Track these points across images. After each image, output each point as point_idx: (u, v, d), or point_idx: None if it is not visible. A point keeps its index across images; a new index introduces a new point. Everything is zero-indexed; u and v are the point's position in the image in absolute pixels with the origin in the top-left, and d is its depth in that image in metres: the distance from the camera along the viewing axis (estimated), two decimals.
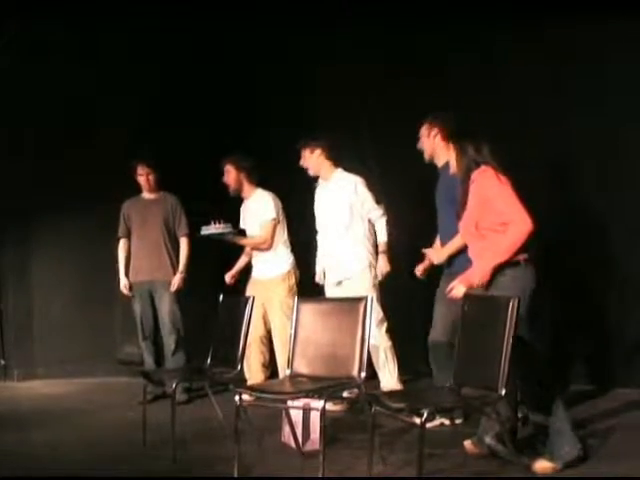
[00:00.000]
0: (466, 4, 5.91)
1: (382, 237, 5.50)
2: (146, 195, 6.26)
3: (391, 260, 5.52)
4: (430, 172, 4.96)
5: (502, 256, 3.92)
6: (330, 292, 5.56)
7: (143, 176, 6.17)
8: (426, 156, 4.92)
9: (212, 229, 5.81)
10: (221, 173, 6.01)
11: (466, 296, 3.98)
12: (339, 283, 5.50)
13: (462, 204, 4.15)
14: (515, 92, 5.83)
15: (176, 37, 6.95)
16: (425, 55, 6.19)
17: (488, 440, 4.09)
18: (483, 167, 4.08)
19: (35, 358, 7.13)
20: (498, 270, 3.95)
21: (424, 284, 5.03)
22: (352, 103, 6.55)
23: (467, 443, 4.18)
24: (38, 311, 7.19)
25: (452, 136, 4.52)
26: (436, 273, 4.84)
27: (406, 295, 5.83)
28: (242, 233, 5.98)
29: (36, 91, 6.84)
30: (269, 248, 5.89)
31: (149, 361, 6.18)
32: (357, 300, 4.22)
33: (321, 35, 6.58)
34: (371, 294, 5.12)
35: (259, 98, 6.96)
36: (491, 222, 4.00)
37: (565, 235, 5.66)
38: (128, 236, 6.22)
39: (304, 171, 5.67)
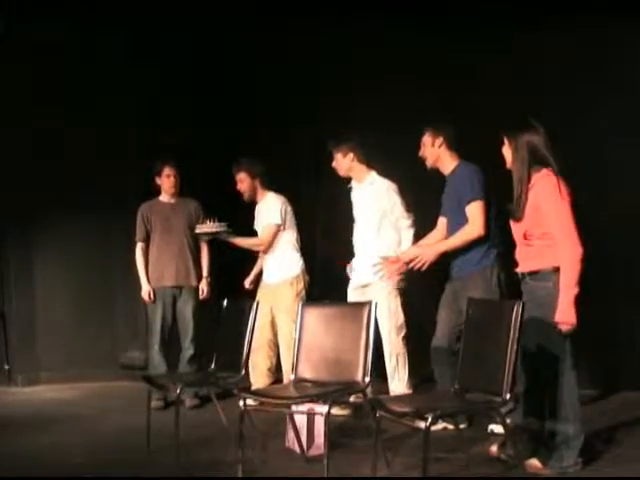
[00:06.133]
0: (466, 4, 5.93)
1: (404, 248, 5.26)
2: (166, 198, 6.05)
3: None
4: (431, 174, 4.97)
5: (574, 288, 3.80)
6: (350, 295, 5.46)
7: (171, 177, 5.97)
8: (428, 164, 4.91)
9: (206, 228, 5.79)
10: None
11: (470, 300, 3.98)
12: (361, 286, 5.38)
13: (517, 205, 3.90)
14: (516, 94, 5.83)
15: (177, 37, 6.91)
16: (426, 55, 6.19)
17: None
18: (545, 171, 3.86)
19: (38, 363, 7.12)
20: (536, 282, 3.88)
21: (434, 288, 5.02)
22: (354, 103, 6.54)
23: (493, 448, 4.18)
24: (41, 316, 7.17)
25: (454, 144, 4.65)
26: (442, 277, 4.84)
27: (416, 299, 5.78)
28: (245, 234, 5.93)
29: (36, 91, 6.82)
30: (267, 251, 5.86)
31: (163, 368, 5.92)
32: (361, 305, 4.25)
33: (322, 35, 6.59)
34: (388, 301, 5.17)
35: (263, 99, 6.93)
36: (540, 233, 3.87)
37: None
38: (146, 240, 6.03)
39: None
